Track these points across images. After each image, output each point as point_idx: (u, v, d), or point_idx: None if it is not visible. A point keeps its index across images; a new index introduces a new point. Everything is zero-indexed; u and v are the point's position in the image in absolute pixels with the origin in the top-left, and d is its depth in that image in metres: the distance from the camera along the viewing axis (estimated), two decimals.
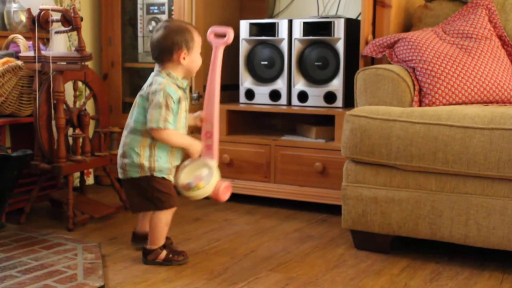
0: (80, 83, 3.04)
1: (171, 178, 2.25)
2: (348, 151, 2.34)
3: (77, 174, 3.26)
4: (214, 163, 2.28)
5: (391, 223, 2.30)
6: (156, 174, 2.21)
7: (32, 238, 2.49)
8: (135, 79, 3.65)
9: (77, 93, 2.90)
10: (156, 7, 3.41)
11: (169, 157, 2.24)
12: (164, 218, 2.25)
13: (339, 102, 3.00)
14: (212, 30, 2.36)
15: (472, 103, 2.52)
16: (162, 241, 2.27)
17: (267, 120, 3.54)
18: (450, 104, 2.49)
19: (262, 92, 3.18)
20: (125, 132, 2.26)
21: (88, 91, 2.97)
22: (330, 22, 3.00)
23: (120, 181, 2.34)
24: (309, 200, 2.96)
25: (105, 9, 3.50)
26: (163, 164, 2.22)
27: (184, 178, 2.23)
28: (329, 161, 2.89)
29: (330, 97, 3.02)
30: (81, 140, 2.81)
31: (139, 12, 3.46)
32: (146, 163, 2.19)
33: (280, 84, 3.15)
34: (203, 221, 2.79)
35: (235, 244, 2.50)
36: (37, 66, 2.67)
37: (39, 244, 2.41)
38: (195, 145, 2.25)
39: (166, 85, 2.17)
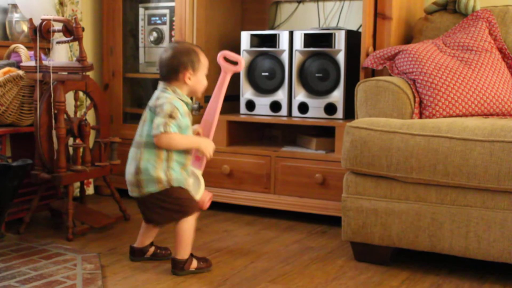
0: (81, 93, 3.05)
1: (188, 187, 2.27)
2: (348, 163, 2.34)
3: (77, 184, 3.26)
4: (199, 173, 2.35)
5: (391, 235, 2.29)
6: (174, 184, 2.22)
7: (32, 248, 2.48)
8: (136, 89, 3.65)
9: (78, 103, 2.91)
10: (157, 18, 3.42)
11: (181, 169, 2.25)
12: (189, 224, 2.26)
13: (339, 113, 3.01)
14: (223, 54, 2.44)
15: (472, 115, 2.52)
16: (190, 249, 2.28)
17: (268, 131, 3.54)
18: (451, 116, 2.50)
19: (262, 103, 3.18)
20: (135, 149, 2.27)
21: (89, 101, 2.97)
22: (331, 34, 3.01)
23: (136, 199, 2.32)
24: (309, 212, 2.95)
25: (107, 20, 3.51)
26: (179, 175, 2.23)
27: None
28: (329, 172, 2.89)
29: (330, 109, 3.02)
30: (81, 150, 2.81)
31: (141, 23, 3.47)
32: (163, 176, 2.20)
33: (281, 95, 3.15)
34: (203, 232, 2.78)
35: (235, 255, 2.49)
36: (38, 76, 2.68)
37: (38, 254, 2.40)
38: (204, 142, 2.29)
39: (172, 99, 2.23)
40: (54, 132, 2.73)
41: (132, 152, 2.28)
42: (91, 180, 3.51)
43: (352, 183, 2.36)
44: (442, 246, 2.21)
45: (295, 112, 3.11)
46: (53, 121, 2.72)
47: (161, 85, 2.31)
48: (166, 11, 3.39)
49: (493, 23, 2.81)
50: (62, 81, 2.70)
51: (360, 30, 3.29)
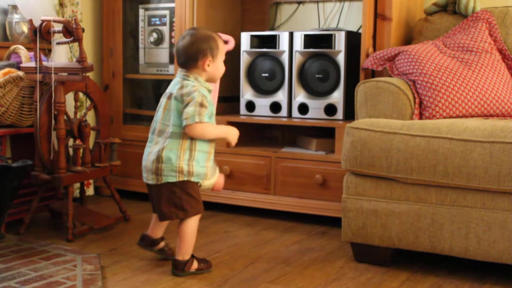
0: (81, 94, 3.05)
1: (205, 183, 2.27)
2: (348, 164, 2.34)
3: (77, 184, 3.26)
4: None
5: (391, 235, 2.29)
6: (194, 179, 2.23)
7: (32, 249, 2.48)
8: (136, 90, 3.66)
9: (78, 104, 2.91)
10: (157, 19, 3.42)
11: (206, 161, 2.25)
12: (193, 226, 2.26)
13: (339, 114, 3.01)
14: None
15: (472, 116, 2.52)
16: (191, 251, 2.27)
17: (268, 132, 3.54)
18: (451, 117, 2.50)
19: (262, 104, 3.18)
20: (156, 137, 2.26)
21: (89, 102, 2.97)
22: (331, 35, 3.01)
23: (148, 186, 2.30)
24: (309, 212, 2.95)
25: (107, 21, 3.51)
26: (200, 169, 2.23)
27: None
28: (329, 173, 2.89)
29: (330, 110, 3.02)
30: (81, 151, 2.81)
31: (141, 24, 3.47)
32: (185, 167, 2.20)
33: (281, 96, 3.15)
34: (203, 232, 2.78)
35: (235, 256, 2.49)
36: (38, 76, 2.68)
37: (38, 255, 2.40)
38: (231, 131, 2.31)
39: (199, 87, 2.22)
40: (54, 133, 2.73)
41: (152, 139, 2.27)
42: (91, 181, 3.51)
43: (352, 184, 2.36)
44: (442, 247, 2.21)
45: (295, 113, 3.11)
46: (53, 122, 2.73)
47: (181, 72, 2.28)
48: (166, 12, 3.39)
49: (493, 24, 2.81)
50: (62, 82, 2.70)
51: (360, 31, 3.29)
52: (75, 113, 2.89)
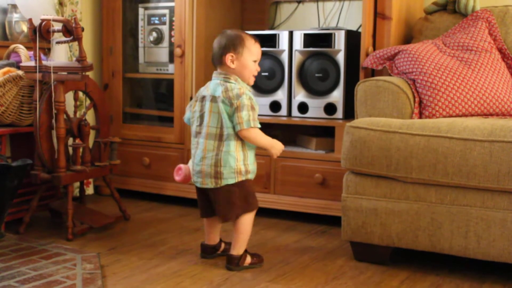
0: (80, 93, 3.05)
1: (249, 176, 2.34)
2: (348, 163, 2.34)
3: (77, 184, 3.26)
4: None
5: (391, 234, 2.29)
6: (250, 176, 2.33)
7: (31, 248, 2.48)
8: (136, 89, 3.65)
9: (78, 103, 2.91)
10: (157, 18, 3.42)
11: (255, 158, 2.36)
12: (250, 220, 2.35)
13: (339, 113, 3.01)
14: None
15: (472, 115, 2.52)
16: (246, 245, 2.35)
17: (267, 131, 3.51)
18: (450, 116, 2.50)
19: (262, 103, 3.18)
20: (207, 141, 2.28)
21: (88, 101, 2.97)
22: (330, 34, 3.01)
23: (201, 190, 2.37)
24: (309, 212, 2.95)
25: (106, 20, 3.51)
26: (252, 166, 2.34)
27: None
28: (329, 172, 2.89)
29: (330, 109, 3.02)
30: (81, 150, 2.81)
31: (140, 23, 3.47)
32: (242, 168, 2.29)
33: (281, 95, 3.15)
34: (203, 231, 2.78)
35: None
36: (38, 76, 2.68)
37: (38, 254, 2.40)
38: (277, 145, 2.37)
39: (245, 88, 2.29)
40: (53, 132, 2.73)
41: (203, 144, 2.29)
42: (90, 180, 3.51)
43: (351, 183, 2.36)
44: (442, 246, 2.21)
45: (295, 112, 3.11)
46: (53, 121, 2.72)
47: (219, 74, 2.33)
48: (166, 11, 3.39)
49: (493, 23, 2.81)
50: (62, 81, 2.70)
51: (360, 30, 3.29)
52: (75, 112, 2.89)
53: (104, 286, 2.11)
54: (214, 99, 2.28)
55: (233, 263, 2.31)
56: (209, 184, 2.28)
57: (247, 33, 2.38)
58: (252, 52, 2.33)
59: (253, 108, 2.24)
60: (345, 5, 3.47)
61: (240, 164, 2.28)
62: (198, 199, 2.40)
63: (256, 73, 2.36)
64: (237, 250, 2.32)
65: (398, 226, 2.27)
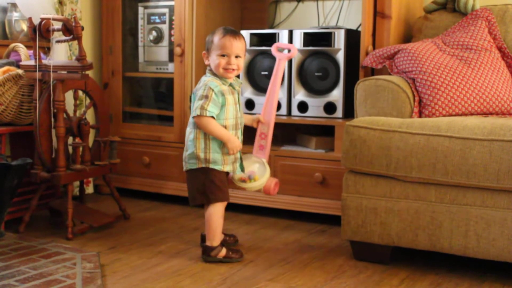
0: (80, 92, 3.05)
1: (226, 169, 2.40)
2: (348, 162, 2.34)
3: (77, 183, 3.26)
4: (265, 161, 2.53)
5: (390, 234, 2.29)
6: (213, 166, 2.37)
7: (31, 247, 2.48)
8: (136, 88, 3.65)
9: (78, 102, 2.91)
10: (157, 17, 3.42)
11: (222, 147, 2.38)
12: (215, 212, 2.40)
13: (339, 112, 3.00)
14: (275, 45, 2.68)
15: (471, 114, 2.52)
16: (219, 237, 2.41)
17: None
18: (450, 115, 2.50)
19: (262, 102, 3.15)
20: (187, 129, 2.45)
21: (88, 100, 2.97)
22: (330, 33, 3.01)
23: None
24: (308, 211, 2.95)
25: (106, 19, 3.51)
26: (215, 155, 2.37)
27: (240, 171, 2.48)
28: (328, 171, 2.89)
29: (330, 108, 3.02)
30: (81, 149, 2.81)
31: (140, 22, 3.47)
32: (201, 155, 2.37)
33: (280, 94, 3.14)
34: (203, 230, 2.78)
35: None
36: (37, 75, 2.68)
37: (37, 253, 2.40)
38: (232, 142, 2.37)
39: (209, 80, 2.38)
40: (53, 131, 2.73)
41: (186, 131, 2.46)
42: (90, 179, 3.51)
43: (351, 182, 2.36)
44: (442, 245, 2.21)
45: (295, 111, 3.11)
46: (53, 120, 2.72)
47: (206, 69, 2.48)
48: (166, 10, 3.38)
49: (493, 22, 2.81)
50: (61, 80, 2.70)
51: (359, 29, 3.29)
52: (75, 111, 2.89)
53: (104, 285, 2.11)
54: (192, 92, 2.44)
55: (205, 253, 2.39)
56: (183, 167, 2.44)
57: (222, 29, 2.44)
58: (218, 47, 2.39)
59: (206, 97, 2.32)
60: (344, 4, 3.47)
61: (199, 151, 2.37)
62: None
63: (229, 66, 2.38)
64: (209, 240, 2.40)
65: (398, 225, 2.28)
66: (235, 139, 2.38)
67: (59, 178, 2.68)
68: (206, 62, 2.44)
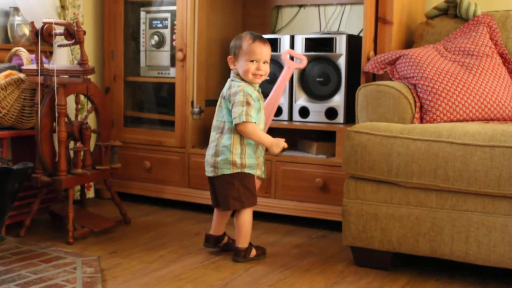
0: (82, 97, 3.05)
1: (257, 173, 2.47)
2: (349, 167, 2.34)
3: (78, 187, 3.26)
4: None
5: (391, 239, 2.29)
6: (248, 170, 2.43)
7: (32, 251, 2.48)
8: (137, 93, 3.66)
9: (79, 106, 2.91)
10: (158, 22, 3.42)
11: (255, 152, 2.45)
12: (247, 216, 2.47)
13: (340, 118, 3.01)
14: (288, 51, 2.73)
15: (473, 120, 2.52)
16: (249, 239, 2.49)
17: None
18: (451, 121, 2.50)
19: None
20: (214, 133, 2.47)
21: (90, 105, 2.97)
22: (332, 38, 3.01)
23: (209, 180, 2.51)
24: (309, 216, 2.95)
25: (108, 23, 3.52)
26: (251, 160, 2.43)
27: (263, 175, 2.53)
28: (329, 177, 2.89)
29: (331, 113, 3.02)
30: (82, 153, 2.81)
31: (142, 27, 3.47)
32: (238, 160, 2.40)
33: (282, 100, 3.15)
34: (203, 235, 2.78)
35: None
36: (39, 79, 2.68)
37: (38, 258, 2.40)
38: (276, 143, 2.43)
39: (244, 86, 2.41)
40: (55, 135, 2.73)
41: (212, 136, 2.48)
42: (91, 183, 3.51)
43: (352, 188, 2.36)
44: (443, 251, 2.21)
45: (296, 116, 3.11)
46: (54, 124, 2.73)
47: (231, 73, 2.49)
48: (168, 15, 3.39)
49: (494, 28, 2.81)
50: (63, 84, 2.70)
51: (361, 34, 3.29)
52: (76, 116, 2.89)
53: None
54: (222, 96, 2.45)
55: (239, 255, 2.45)
56: (210, 172, 2.46)
57: (249, 34, 2.47)
58: (247, 52, 2.42)
59: (248, 104, 2.36)
60: (346, 10, 3.47)
61: (235, 157, 2.40)
62: (210, 188, 2.55)
63: (258, 72, 2.42)
64: (242, 243, 2.47)
65: (398, 231, 2.27)
66: (278, 140, 2.44)
67: (60, 183, 2.68)
68: (232, 67, 2.46)
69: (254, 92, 2.41)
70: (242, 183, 2.42)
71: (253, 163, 2.43)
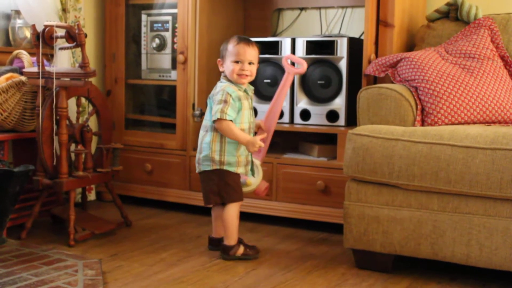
0: (83, 99, 3.05)
1: (239, 171, 2.50)
2: (350, 170, 2.34)
3: (79, 190, 3.26)
4: (259, 163, 2.61)
5: (393, 242, 2.29)
6: (227, 168, 2.47)
7: (33, 254, 2.48)
8: (138, 95, 3.66)
9: (80, 109, 2.91)
10: (160, 25, 3.42)
11: (237, 150, 2.48)
12: (232, 212, 2.49)
13: (341, 120, 3.01)
14: (287, 56, 2.75)
15: (474, 123, 2.52)
16: (236, 235, 2.51)
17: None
18: (453, 123, 2.50)
19: (265, 110, 3.15)
20: (201, 132, 2.55)
21: (91, 107, 2.98)
22: (333, 41, 3.01)
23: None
24: (310, 219, 2.95)
25: (109, 26, 3.52)
26: (230, 158, 2.47)
27: (251, 175, 2.57)
28: (331, 179, 2.89)
29: (332, 116, 3.02)
30: (83, 156, 2.81)
31: (143, 29, 3.48)
32: (217, 157, 2.46)
33: (283, 102, 3.14)
34: (205, 238, 2.78)
35: (236, 261, 2.49)
36: (40, 81, 2.68)
37: (39, 260, 2.40)
38: (252, 142, 2.44)
39: (226, 86, 2.48)
40: (56, 138, 2.73)
41: (199, 134, 2.55)
42: (92, 186, 3.51)
43: (353, 190, 2.36)
44: (444, 253, 2.21)
45: (297, 119, 3.11)
46: (55, 127, 2.73)
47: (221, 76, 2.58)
48: (169, 18, 3.39)
49: (495, 31, 2.82)
50: (64, 87, 2.71)
51: (362, 37, 3.29)
52: (77, 118, 2.90)
53: None
54: (209, 96, 2.53)
55: (225, 252, 2.50)
56: (196, 169, 2.54)
57: (236, 36, 2.55)
58: (232, 53, 2.50)
59: (226, 102, 2.42)
60: (347, 13, 3.47)
61: (214, 154, 2.46)
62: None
63: (242, 72, 2.49)
64: (228, 240, 2.50)
65: (400, 233, 2.27)
66: (254, 139, 2.45)
67: (61, 185, 2.68)
68: (221, 69, 2.54)
69: (235, 92, 2.46)
70: (222, 179, 2.46)
71: (232, 161, 2.47)
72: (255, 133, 2.62)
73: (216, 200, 2.49)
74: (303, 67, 2.71)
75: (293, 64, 2.82)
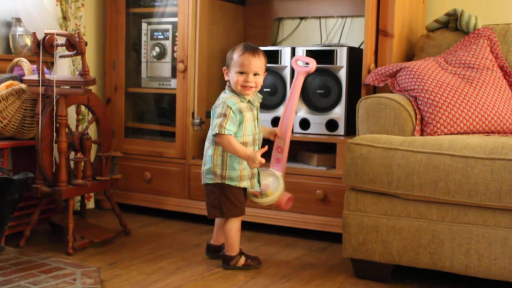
0: (83, 107, 3.06)
1: (242, 185, 2.46)
2: (349, 179, 2.34)
3: (78, 198, 3.26)
4: (280, 174, 2.57)
5: (391, 252, 2.29)
6: (229, 182, 2.44)
7: (31, 262, 2.48)
8: (138, 104, 3.66)
9: (80, 117, 2.91)
10: (160, 33, 3.43)
11: (240, 164, 2.43)
12: (234, 225, 2.48)
13: (340, 130, 3.01)
14: (296, 58, 2.72)
15: (473, 133, 2.52)
16: (237, 247, 2.50)
17: (269, 147, 3.53)
18: (452, 133, 2.50)
19: (264, 119, 3.18)
20: (206, 143, 2.51)
21: (90, 115, 2.98)
22: (332, 51, 3.02)
23: None
24: (310, 228, 2.95)
25: (110, 34, 3.53)
26: (232, 172, 2.43)
27: (258, 187, 2.52)
28: (330, 189, 2.89)
29: (332, 125, 3.03)
30: (82, 164, 2.81)
31: (143, 38, 3.48)
32: (218, 171, 2.43)
33: (282, 111, 3.15)
34: (204, 247, 2.77)
35: (235, 271, 2.48)
36: (40, 89, 2.69)
37: (38, 268, 2.40)
38: (252, 158, 2.35)
39: (227, 98, 2.42)
40: (55, 145, 2.73)
41: (205, 144, 2.52)
42: (91, 194, 3.51)
43: (353, 200, 2.36)
44: (443, 263, 2.20)
45: (297, 128, 3.11)
46: (55, 135, 2.73)
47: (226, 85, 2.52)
48: (169, 27, 3.40)
49: (495, 41, 2.82)
50: (64, 95, 2.71)
51: (362, 47, 3.30)
52: (77, 126, 2.90)
53: None
54: (212, 107, 2.48)
55: (225, 262, 2.50)
56: (202, 180, 2.52)
57: (242, 45, 2.48)
58: (237, 64, 2.43)
59: (225, 116, 2.36)
60: (347, 22, 3.48)
61: (216, 168, 2.43)
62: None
63: (246, 84, 2.42)
64: (229, 251, 2.50)
65: (399, 243, 2.27)
66: (255, 154, 2.34)
67: (60, 193, 2.68)
68: (226, 78, 2.48)
69: (236, 104, 2.39)
70: (223, 193, 2.44)
71: (234, 175, 2.43)
72: (266, 143, 2.56)
73: (216, 214, 2.48)
74: (312, 65, 2.66)
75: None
